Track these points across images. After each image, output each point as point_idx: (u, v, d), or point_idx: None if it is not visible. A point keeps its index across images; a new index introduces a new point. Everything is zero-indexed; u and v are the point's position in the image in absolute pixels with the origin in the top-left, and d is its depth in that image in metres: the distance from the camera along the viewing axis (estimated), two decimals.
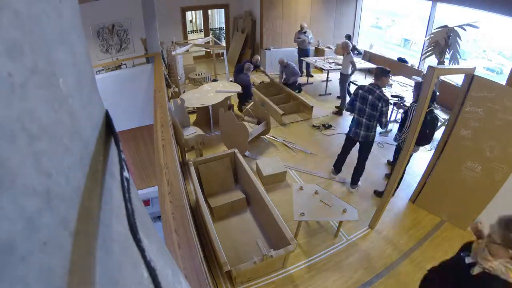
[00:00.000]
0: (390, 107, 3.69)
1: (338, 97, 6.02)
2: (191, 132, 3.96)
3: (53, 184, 0.25)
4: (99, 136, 0.37)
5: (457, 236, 3.18)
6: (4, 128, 0.19)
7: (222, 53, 7.19)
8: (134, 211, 0.35)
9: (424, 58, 6.29)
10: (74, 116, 0.30)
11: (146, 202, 4.56)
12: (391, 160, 4.07)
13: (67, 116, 0.28)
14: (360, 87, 3.30)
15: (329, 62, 6.70)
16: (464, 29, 4.68)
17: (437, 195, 3.31)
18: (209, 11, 8.85)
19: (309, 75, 7.42)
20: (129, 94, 4.56)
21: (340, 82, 5.65)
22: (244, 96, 5.37)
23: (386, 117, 3.22)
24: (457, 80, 5.72)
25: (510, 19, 4.82)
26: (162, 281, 0.37)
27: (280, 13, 7.56)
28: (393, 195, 3.34)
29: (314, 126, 5.23)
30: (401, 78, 6.08)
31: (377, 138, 4.94)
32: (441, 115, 5.52)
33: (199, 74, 6.51)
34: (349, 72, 5.44)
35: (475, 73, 2.90)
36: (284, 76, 6.34)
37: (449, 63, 5.24)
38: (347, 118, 5.28)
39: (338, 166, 3.90)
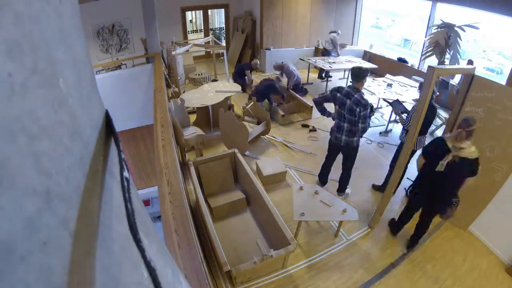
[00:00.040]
0: (386, 109, 3.56)
1: None
2: (191, 132, 3.96)
3: (53, 184, 0.25)
4: (99, 136, 0.37)
5: (457, 236, 3.18)
6: (4, 128, 0.19)
7: (222, 53, 7.19)
8: (134, 211, 0.35)
9: (424, 58, 6.29)
10: (74, 116, 0.30)
11: (146, 202, 4.56)
12: (376, 184, 3.77)
13: (67, 116, 0.28)
14: (338, 90, 3.05)
15: (329, 62, 6.70)
16: (464, 30, 4.69)
17: None
18: (209, 11, 8.85)
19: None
20: (129, 94, 4.56)
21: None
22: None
23: (364, 122, 2.94)
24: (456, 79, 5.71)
25: (510, 19, 4.82)
26: (162, 281, 0.37)
27: (280, 13, 7.56)
28: (393, 194, 3.34)
29: (303, 125, 5.25)
30: (401, 78, 6.09)
31: (378, 138, 4.96)
32: (442, 113, 5.52)
33: (199, 74, 6.51)
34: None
35: (475, 73, 2.91)
36: (283, 78, 6.29)
37: (450, 63, 5.24)
38: None
39: (323, 178, 3.69)
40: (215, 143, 4.59)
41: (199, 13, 9.09)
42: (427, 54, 5.50)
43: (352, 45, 8.67)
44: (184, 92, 5.55)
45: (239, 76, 6.11)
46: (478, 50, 7.36)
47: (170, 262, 0.59)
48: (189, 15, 9.03)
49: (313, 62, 6.84)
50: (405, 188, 3.66)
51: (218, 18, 9.85)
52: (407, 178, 3.76)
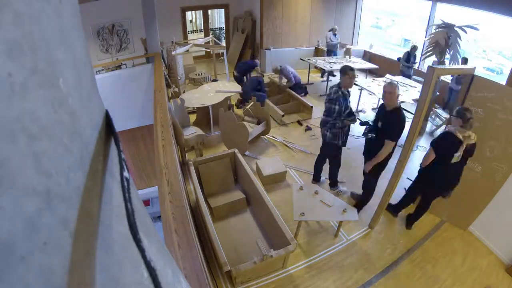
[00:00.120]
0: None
1: None
2: (191, 132, 3.96)
3: (53, 184, 0.25)
4: (99, 136, 0.37)
5: (457, 236, 3.18)
6: (4, 128, 0.19)
7: (222, 53, 7.19)
8: (134, 211, 0.35)
9: (424, 58, 6.29)
10: (74, 116, 0.30)
11: (146, 202, 4.56)
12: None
13: (67, 116, 0.28)
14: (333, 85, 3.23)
15: (329, 63, 6.70)
16: (465, 31, 4.68)
17: None
18: (209, 11, 8.85)
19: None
20: (129, 94, 4.56)
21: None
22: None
23: (327, 115, 3.09)
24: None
25: (510, 19, 4.82)
26: (162, 281, 0.37)
27: (280, 13, 7.56)
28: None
29: (298, 122, 5.28)
30: (401, 78, 6.09)
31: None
32: (442, 114, 5.52)
33: (199, 74, 6.51)
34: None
35: (475, 73, 2.91)
36: (283, 79, 6.28)
37: (450, 63, 5.24)
38: None
39: (316, 176, 3.80)
40: (215, 143, 4.59)
41: (199, 13, 9.10)
42: (427, 54, 5.50)
43: (352, 45, 8.67)
44: (184, 92, 5.55)
45: (243, 74, 6.06)
46: (478, 50, 7.36)
47: (170, 262, 0.59)
48: (189, 15, 9.04)
49: (313, 62, 6.84)
50: (404, 188, 3.66)
51: (218, 18, 9.85)
52: (407, 178, 3.77)
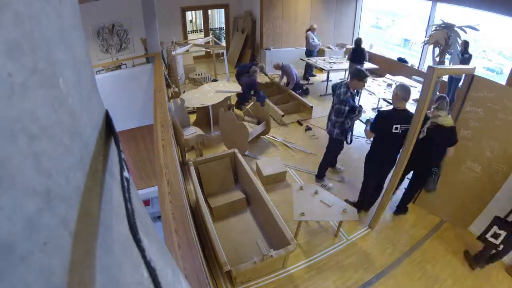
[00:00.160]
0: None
1: None
2: (191, 132, 3.96)
3: (53, 184, 0.25)
4: (99, 136, 0.37)
5: (457, 236, 3.18)
6: (4, 128, 0.19)
7: (222, 53, 7.19)
8: (134, 211, 0.35)
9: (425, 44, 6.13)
10: (74, 116, 0.30)
11: (146, 202, 4.56)
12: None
13: (67, 116, 0.28)
14: (340, 83, 3.29)
15: (329, 63, 6.70)
16: (465, 31, 4.69)
17: (437, 195, 3.31)
18: (209, 11, 8.85)
19: (311, 75, 7.36)
20: (129, 94, 4.56)
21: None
22: (244, 96, 5.36)
23: (337, 115, 3.15)
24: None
25: (510, 19, 4.82)
26: (162, 281, 0.37)
27: (280, 13, 7.56)
28: (393, 194, 3.34)
29: (298, 122, 5.28)
30: (401, 78, 6.09)
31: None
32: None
33: (199, 74, 6.50)
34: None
35: (475, 73, 2.91)
36: (284, 78, 6.29)
37: (449, 64, 5.24)
38: None
39: (320, 173, 3.86)
40: (215, 143, 4.59)
41: (199, 13, 9.09)
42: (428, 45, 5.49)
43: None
44: (184, 92, 5.55)
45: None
46: (478, 50, 7.36)
47: (170, 262, 0.59)
48: (189, 15, 9.03)
49: (313, 62, 6.84)
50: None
51: (218, 18, 9.85)
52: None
